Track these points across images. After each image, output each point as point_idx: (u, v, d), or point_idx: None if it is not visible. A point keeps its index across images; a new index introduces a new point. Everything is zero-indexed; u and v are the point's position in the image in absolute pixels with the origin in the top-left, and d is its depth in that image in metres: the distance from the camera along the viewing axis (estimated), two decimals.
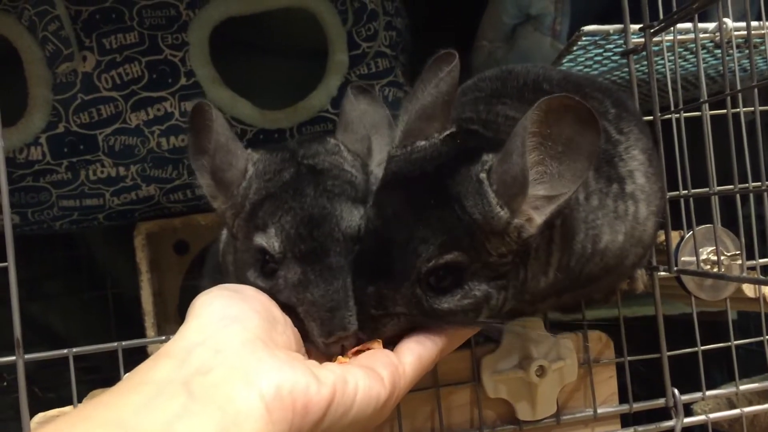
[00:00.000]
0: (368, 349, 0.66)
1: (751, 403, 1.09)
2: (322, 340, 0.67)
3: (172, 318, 1.46)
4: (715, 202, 0.86)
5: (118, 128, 1.26)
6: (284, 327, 0.62)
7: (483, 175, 0.65)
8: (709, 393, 0.95)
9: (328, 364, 0.59)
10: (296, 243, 0.70)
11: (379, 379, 0.59)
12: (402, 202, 0.68)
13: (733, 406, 1.14)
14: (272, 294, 0.69)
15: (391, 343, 0.67)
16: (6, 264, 0.78)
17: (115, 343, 0.81)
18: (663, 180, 0.83)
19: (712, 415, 0.95)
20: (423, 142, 0.71)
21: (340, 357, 0.66)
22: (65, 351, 0.80)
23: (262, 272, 0.72)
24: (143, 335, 1.33)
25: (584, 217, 0.72)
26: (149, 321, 1.31)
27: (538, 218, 0.65)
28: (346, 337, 0.67)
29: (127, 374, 0.54)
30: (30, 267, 1.52)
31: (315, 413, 0.54)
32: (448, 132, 0.72)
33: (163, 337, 0.86)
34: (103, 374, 1.61)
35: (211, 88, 1.26)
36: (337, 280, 0.68)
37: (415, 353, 0.64)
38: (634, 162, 0.77)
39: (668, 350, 0.94)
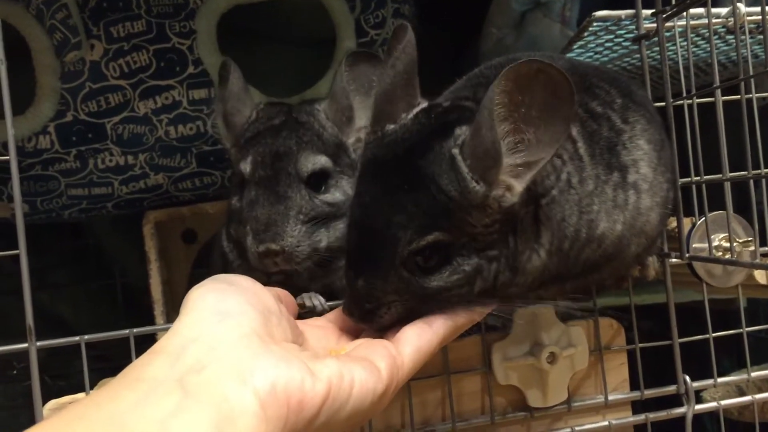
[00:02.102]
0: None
1: (760, 390, 1.09)
2: (254, 250, 0.83)
3: (180, 305, 1.46)
4: (727, 188, 0.85)
5: (126, 117, 1.26)
6: (279, 318, 0.61)
7: (455, 151, 0.65)
8: (720, 380, 0.95)
9: (324, 358, 0.58)
10: (259, 169, 0.87)
11: (376, 371, 0.59)
12: (377, 189, 0.69)
13: (742, 393, 1.14)
14: (240, 211, 0.87)
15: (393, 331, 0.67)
16: (17, 252, 0.78)
17: (127, 331, 0.81)
18: (674, 171, 0.82)
19: (723, 402, 0.94)
20: (392, 126, 0.71)
21: (338, 348, 0.66)
22: (77, 338, 0.81)
23: (240, 193, 0.89)
24: (152, 324, 1.33)
25: (577, 201, 0.71)
26: (158, 309, 1.31)
27: (518, 186, 0.65)
28: (276, 252, 0.82)
29: (122, 371, 0.53)
30: (38, 256, 1.52)
31: (310, 409, 0.53)
32: (416, 110, 0.72)
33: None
34: (113, 362, 1.61)
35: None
36: (279, 204, 0.84)
37: (414, 344, 0.63)
38: (638, 152, 0.76)
39: (679, 337, 0.94)
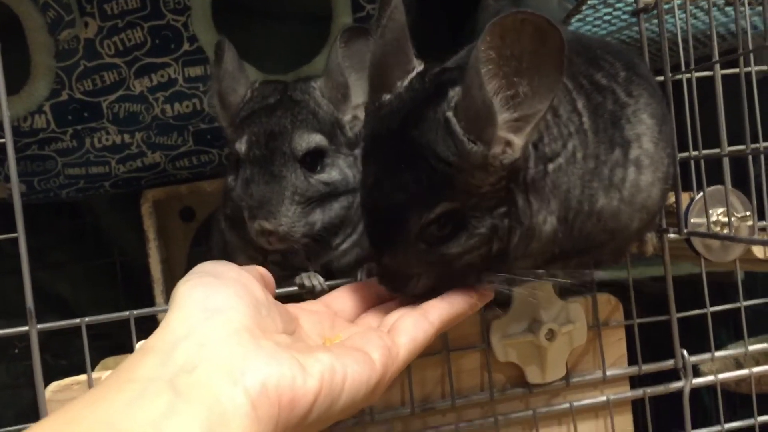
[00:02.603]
0: None
1: (757, 363, 1.09)
2: (250, 225, 0.83)
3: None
4: (726, 163, 0.85)
5: (122, 95, 1.25)
6: (268, 308, 0.60)
7: (449, 114, 0.65)
8: (718, 354, 0.96)
9: (316, 351, 0.57)
10: (254, 149, 0.86)
11: (370, 362, 0.58)
12: (378, 168, 0.69)
13: (739, 366, 1.15)
14: (233, 189, 0.88)
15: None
16: (16, 235, 0.78)
17: (127, 312, 0.81)
18: (674, 146, 0.82)
19: (720, 376, 0.95)
20: (388, 96, 0.71)
21: (333, 335, 0.66)
22: (78, 320, 0.80)
23: (235, 172, 0.89)
24: (152, 302, 1.34)
25: (581, 175, 0.71)
26: (158, 288, 1.31)
27: (518, 140, 0.64)
28: (270, 231, 0.83)
29: (112, 370, 0.53)
30: (36, 236, 1.51)
31: (302, 407, 0.53)
32: (411, 77, 0.72)
33: None
34: (113, 341, 1.61)
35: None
36: (274, 183, 0.84)
37: (410, 335, 0.63)
38: (641, 126, 0.76)
39: (677, 312, 0.94)
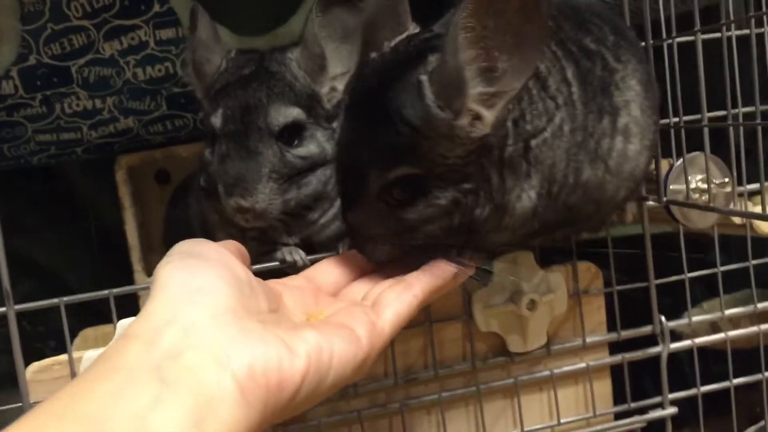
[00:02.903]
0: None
1: (731, 321, 1.11)
2: (225, 203, 0.82)
3: (157, 249, 1.44)
4: (706, 133, 0.85)
5: (91, 59, 1.21)
6: (250, 288, 0.59)
7: (424, 77, 0.64)
8: (695, 319, 0.97)
9: (302, 330, 0.57)
10: (229, 123, 0.84)
11: (356, 339, 0.58)
12: (351, 124, 0.70)
13: (713, 322, 1.17)
14: (210, 164, 0.85)
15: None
16: None
17: (107, 291, 0.80)
18: (657, 113, 0.81)
19: (697, 340, 0.97)
20: (374, 55, 0.71)
21: (316, 311, 0.66)
22: (56, 300, 0.79)
23: (211, 146, 0.87)
24: (129, 268, 1.33)
25: (567, 148, 0.71)
26: (135, 256, 1.30)
27: (489, 115, 0.64)
28: (246, 209, 0.81)
29: (97, 355, 0.51)
30: (9, 201, 1.49)
31: (290, 388, 0.52)
32: (399, 39, 0.71)
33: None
34: (89, 306, 1.61)
35: (186, 15, 1.20)
36: (250, 160, 0.82)
37: (394, 310, 0.63)
38: (630, 92, 0.75)
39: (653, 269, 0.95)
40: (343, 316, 0.62)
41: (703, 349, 1.05)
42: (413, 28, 0.73)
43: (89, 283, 1.63)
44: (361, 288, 0.71)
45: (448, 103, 0.63)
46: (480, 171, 0.67)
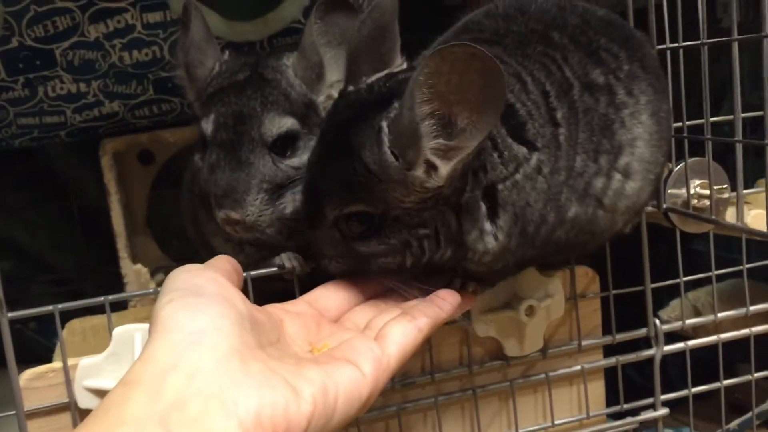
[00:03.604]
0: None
1: (714, 308, 1.12)
2: (216, 213, 0.80)
3: (141, 230, 1.43)
4: (708, 147, 0.84)
5: (76, 42, 1.18)
6: (251, 321, 0.58)
7: (384, 123, 0.65)
8: (689, 322, 0.98)
9: (307, 368, 0.56)
10: (221, 131, 0.82)
11: (361, 376, 0.58)
12: (319, 152, 0.72)
13: (697, 313, 1.19)
14: (201, 170, 0.83)
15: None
16: None
17: (102, 298, 0.78)
18: (668, 143, 0.80)
19: (690, 343, 0.98)
20: (351, 88, 0.72)
21: (319, 342, 0.66)
22: (51, 308, 0.77)
23: (202, 151, 0.84)
24: (112, 247, 1.31)
25: (545, 189, 0.70)
26: (121, 242, 1.28)
27: (444, 169, 0.64)
28: (236, 221, 0.80)
29: (99, 404, 0.51)
30: None
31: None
32: (377, 76, 0.72)
33: (151, 290, 0.83)
34: (71, 286, 1.59)
35: None
36: (240, 171, 0.80)
37: (399, 343, 0.62)
38: (638, 128, 0.73)
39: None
40: (348, 350, 0.60)
41: (683, 338, 1.06)
42: (400, 63, 0.73)
43: (71, 263, 1.61)
44: (364, 315, 0.70)
45: (402, 152, 0.64)
46: (439, 215, 0.67)
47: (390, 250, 0.69)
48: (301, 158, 0.83)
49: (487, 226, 0.69)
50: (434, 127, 0.61)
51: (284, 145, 0.82)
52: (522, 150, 0.69)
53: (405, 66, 0.73)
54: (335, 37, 0.84)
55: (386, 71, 0.72)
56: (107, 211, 1.31)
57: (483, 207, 0.68)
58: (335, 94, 0.84)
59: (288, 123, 0.82)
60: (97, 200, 1.45)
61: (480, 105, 0.60)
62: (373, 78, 0.72)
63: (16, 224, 1.53)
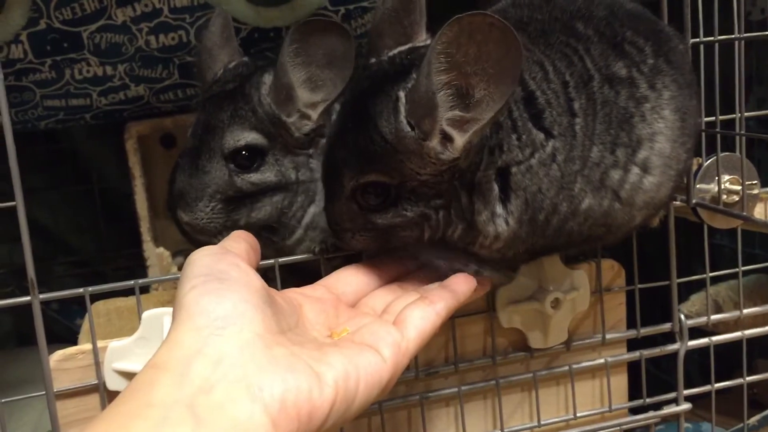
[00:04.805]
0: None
1: (736, 306, 1.12)
2: (172, 213, 0.86)
3: (162, 213, 1.43)
4: (742, 141, 0.84)
5: (103, 25, 1.18)
6: (272, 306, 0.59)
7: (401, 93, 0.66)
8: (714, 318, 0.98)
9: (329, 353, 0.57)
10: (191, 137, 0.87)
11: (381, 361, 0.59)
12: (339, 122, 0.73)
13: (719, 308, 1.18)
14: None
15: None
16: (14, 204, 0.75)
17: (132, 282, 0.79)
18: (693, 139, 0.80)
19: (714, 338, 0.97)
20: (373, 60, 0.73)
21: (338, 326, 0.66)
22: (81, 290, 0.78)
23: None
24: (134, 230, 1.31)
25: (559, 177, 0.70)
26: (144, 226, 1.28)
27: (460, 140, 0.64)
28: (186, 222, 0.84)
29: (126, 387, 0.52)
30: None
31: (319, 417, 0.53)
32: (399, 50, 0.73)
33: (178, 275, 0.83)
34: (92, 267, 1.60)
35: None
36: (196, 178, 0.83)
37: (418, 328, 0.63)
38: (659, 123, 0.73)
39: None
40: (368, 334, 0.62)
41: (702, 332, 1.06)
42: (424, 39, 0.74)
43: (92, 245, 1.62)
44: (381, 299, 0.71)
45: (419, 122, 0.64)
46: (454, 191, 0.68)
47: (407, 222, 0.69)
48: (263, 174, 0.84)
49: (499, 209, 0.70)
50: (451, 97, 0.62)
51: (250, 158, 0.84)
52: (540, 135, 0.69)
53: (429, 42, 0.73)
54: (318, 56, 0.81)
55: (409, 45, 0.73)
56: (129, 193, 1.31)
57: (496, 188, 0.69)
58: (313, 114, 0.84)
59: (248, 137, 0.84)
60: (119, 182, 1.46)
61: (497, 76, 0.60)
62: (395, 51, 0.73)
63: (37, 205, 1.54)
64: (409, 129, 0.65)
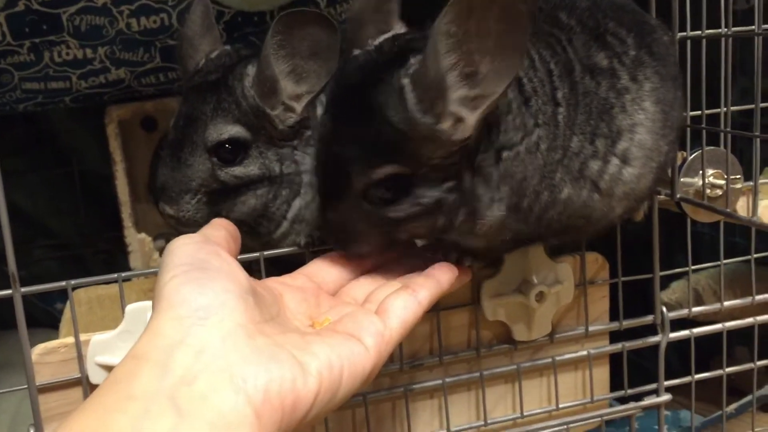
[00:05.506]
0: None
1: (715, 294, 1.13)
2: (155, 206, 0.85)
3: (143, 197, 1.42)
4: (727, 137, 0.84)
5: (83, 7, 1.15)
6: (254, 295, 0.59)
7: (405, 80, 0.64)
8: (695, 310, 0.98)
9: (312, 343, 0.57)
10: (174, 130, 0.85)
11: (364, 350, 0.59)
12: (332, 120, 0.70)
13: (698, 296, 1.19)
14: None
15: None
16: None
17: (115, 275, 0.78)
18: (675, 132, 0.80)
19: (695, 330, 0.98)
20: (357, 51, 0.71)
21: (319, 316, 0.66)
22: (63, 283, 0.77)
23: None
24: (113, 213, 1.30)
25: (541, 165, 0.71)
26: (126, 211, 1.27)
27: (471, 118, 0.64)
28: (170, 215, 0.83)
29: (106, 377, 0.52)
30: None
31: (303, 407, 0.53)
32: (383, 37, 0.72)
33: None
34: (72, 251, 1.58)
35: None
36: (178, 171, 0.82)
37: (400, 317, 0.63)
38: (640, 115, 0.74)
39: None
40: (350, 324, 0.62)
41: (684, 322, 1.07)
42: (400, 28, 0.73)
43: (72, 228, 1.60)
44: (363, 288, 0.71)
45: (430, 107, 0.63)
46: (458, 171, 0.68)
47: (423, 210, 0.68)
48: (246, 168, 0.83)
49: (496, 194, 0.69)
50: (458, 77, 0.62)
51: (233, 151, 0.83)
52: (530, 121, 0.69)
53: (407, 30, 0.73)
54: (302, 48, 0.80)
55: (391, 33, 0.73)
56: (109, 176, 1.30)
57: (495, 174, 0.69)
58: (297, 106, 0.83)
59: (232, 131, 0.82)
60: (99, 165, 1.45)
61: (502, 50, 0.60)
62: (381, 39, 0.72)
63: (16, 188, 1.52)
64: (421, 115, 0.64)
